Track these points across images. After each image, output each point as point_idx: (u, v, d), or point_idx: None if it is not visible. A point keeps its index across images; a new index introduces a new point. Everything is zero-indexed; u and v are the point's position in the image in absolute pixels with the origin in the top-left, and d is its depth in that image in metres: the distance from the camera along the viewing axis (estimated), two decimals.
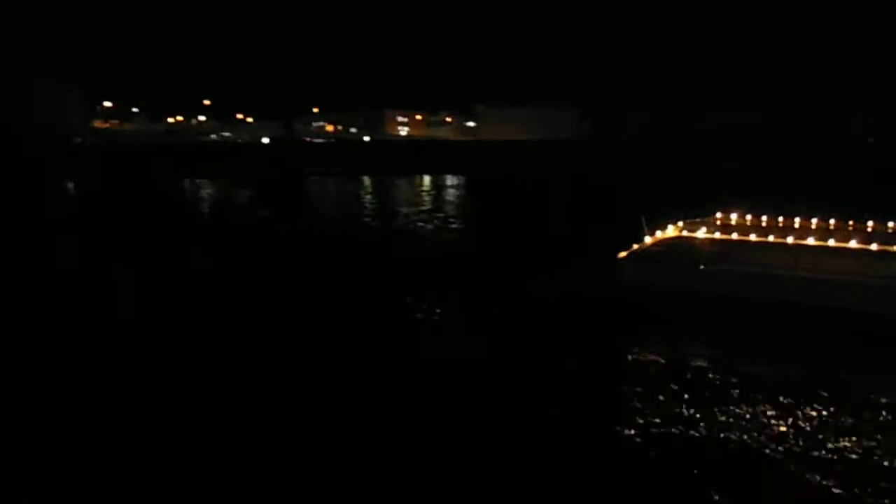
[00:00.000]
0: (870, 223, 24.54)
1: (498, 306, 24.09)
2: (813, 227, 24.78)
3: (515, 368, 17.61)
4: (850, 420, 13.96)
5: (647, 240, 25.20)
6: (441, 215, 55.25)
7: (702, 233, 25.23)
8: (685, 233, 25.63)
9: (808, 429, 13.56)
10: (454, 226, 49.08)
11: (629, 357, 18.36)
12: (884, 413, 14.34)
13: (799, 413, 14.33)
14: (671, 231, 25.96)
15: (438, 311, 23.18)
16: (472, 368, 17.36)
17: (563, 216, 54.40)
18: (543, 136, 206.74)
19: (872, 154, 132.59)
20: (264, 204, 68.25)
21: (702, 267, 22.45)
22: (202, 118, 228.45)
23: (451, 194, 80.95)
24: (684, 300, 21.61)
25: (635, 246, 24.71)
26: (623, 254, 24.20)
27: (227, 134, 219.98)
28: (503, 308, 23.84)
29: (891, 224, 24.25)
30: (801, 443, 12.92)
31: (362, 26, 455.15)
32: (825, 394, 15.22)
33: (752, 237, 24.20)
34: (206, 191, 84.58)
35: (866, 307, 19.55)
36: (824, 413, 14.36)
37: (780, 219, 25.78)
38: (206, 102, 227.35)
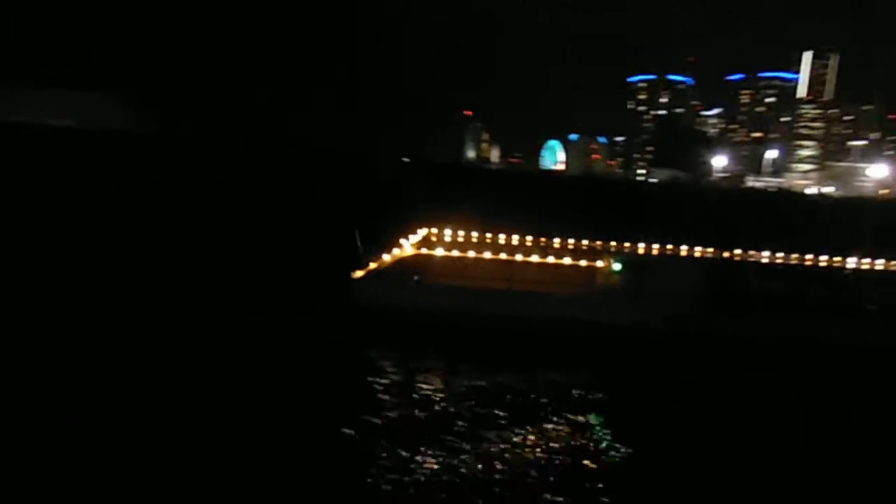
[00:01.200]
0: (556, 240, 27.87)
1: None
2: (526, 243, 26.82)
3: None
4: (547, 410, 17.09)
5: (386, 258, 24.93)
6: None
7: (440, 251, 25.72)
8: (424, 250, 25.69)
9: (508, 415, 16.54)
10: None
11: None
12: (575, 402, 17.90)
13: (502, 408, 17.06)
14: (408, 248, 25.62)
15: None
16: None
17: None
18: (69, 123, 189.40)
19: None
20: None
21: (437, 283, 23.76)
22: None
23: None
24: (419, 317, 21.73)
25: (372, 265, 24.25)
26: (359, 273, 23.74)
27: None
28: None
29: (585, 241, 27.62)
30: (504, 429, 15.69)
31: None
32: (532, 394, 18.25)
33: (487, 255, 25.77)
34: None
35: (572, 315, 22.72)
36: (530, 406, 17.38)
37: (501, 236, 27.24)
38: None
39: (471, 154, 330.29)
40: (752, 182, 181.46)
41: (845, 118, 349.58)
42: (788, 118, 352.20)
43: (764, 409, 18.29)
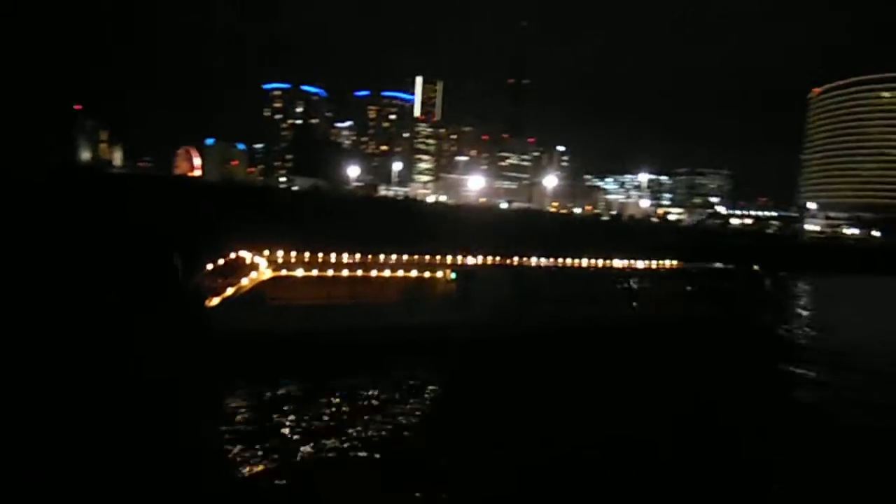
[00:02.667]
0: (394, 256, 31.57)
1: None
2: (371, 260, 29.91)
3: None
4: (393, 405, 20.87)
5: (245, 281, 25.14)
6: None
7: (299, 272, 26.60)
8: (284, 272, 26.17)
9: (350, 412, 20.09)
10: None
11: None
12: (418, 391, 22.29)
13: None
14: (265, 272, 25.75)
15: None
16: None
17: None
18: None
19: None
20: None
21: (291, 304, 25.03)
22: None
23: None
24: (282, 337, 23.29)
25: (230, 291, 24.53)
26: (216, 300, 24.18)
27: None
28: None
29: (416, 256, 32.27)
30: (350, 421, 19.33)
31: None
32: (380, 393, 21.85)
33: (344, 273, 27.88)
34: None
35: (419, 319, 27.47)
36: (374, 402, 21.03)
37: (346, 255, 29.91)
38: None
39: (86, 155, 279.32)
40: (384, 191, 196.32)
41: (452, 137, 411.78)
42: (408, 134, 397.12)
43: (562, 372, 25.79)
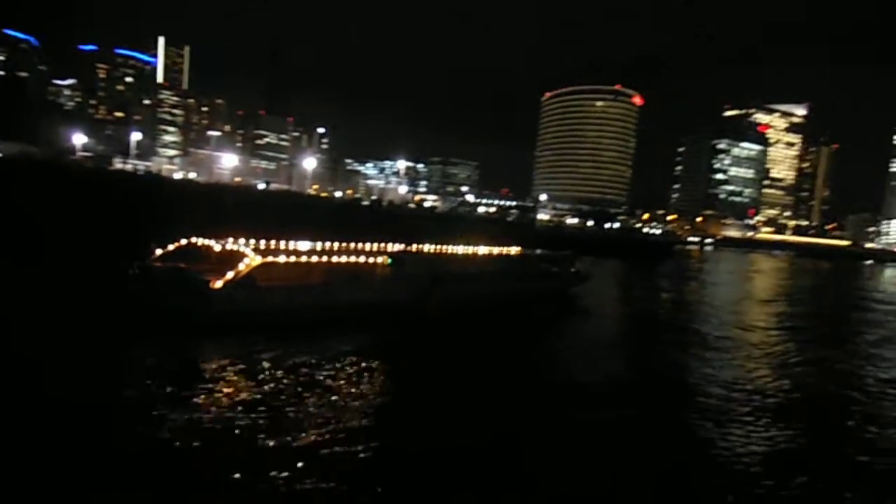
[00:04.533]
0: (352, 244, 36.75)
1: None
2: (335, 247, 35.08)
3: None
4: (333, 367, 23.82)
5: (241, 267, 28.37)
6: None
7: (282, 258, 30.69)
8: (271, 258, 29.96)
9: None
10: None
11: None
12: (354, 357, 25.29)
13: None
14: (255, 258, 29.11)
15: None
16: None
17: None
18: None
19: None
20: None
21: (275, 285, 29.45)
22: None
23: None
24: (271, 313, 27.71)
25: (230, 275, 27.68)
26: (219, 283, 27.13)
27: None
28: None
29: (357, 244, 37.00)
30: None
31: None
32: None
33: (314, 259, 32.27)
34: None
35: (367, 297, 32.95)
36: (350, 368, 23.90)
37: (319, 243, 34.26)
38: None
39: None
40: (120, 164, 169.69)
41: (203, 109, 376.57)
42: (150, 101, 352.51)
43: (473, 336, 32.42)
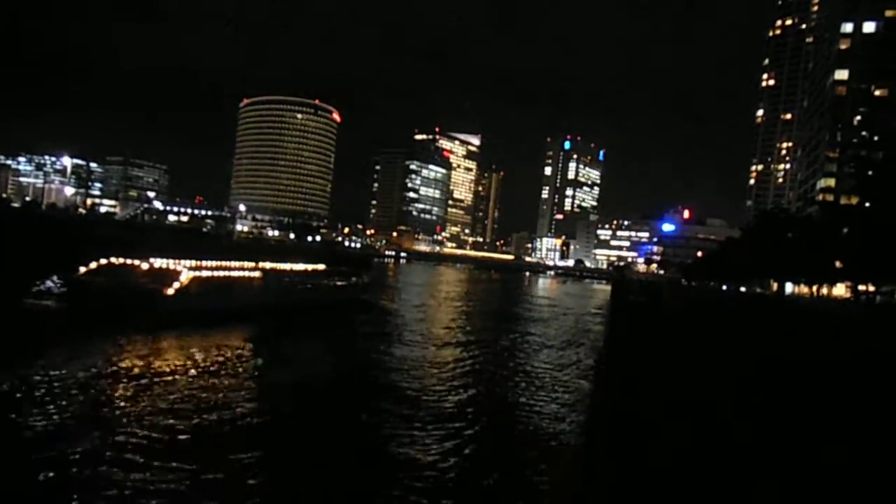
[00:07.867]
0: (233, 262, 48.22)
1: None
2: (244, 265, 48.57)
3: None
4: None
5: (183, 279, 39.41)
6: None
7: (206, 273, 42.33)
8: (196, 273, 41.32)
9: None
10: None
11: None
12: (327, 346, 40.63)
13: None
14: (191, 273, 40.55)
15: None
16: None
17: None
18: None
19: None
20: None
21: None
22: None
23: None
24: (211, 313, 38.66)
25: (177, 284, 38.77)
26: (170, 291, 38.08)
27: None
28: None
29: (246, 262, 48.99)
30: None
31: None
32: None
33: (216, 273, 44.00)
34: None
35: (251, 300, 46.10)
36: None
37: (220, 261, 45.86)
38: None
39: None
40: None
41: None
42: None
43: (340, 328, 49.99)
